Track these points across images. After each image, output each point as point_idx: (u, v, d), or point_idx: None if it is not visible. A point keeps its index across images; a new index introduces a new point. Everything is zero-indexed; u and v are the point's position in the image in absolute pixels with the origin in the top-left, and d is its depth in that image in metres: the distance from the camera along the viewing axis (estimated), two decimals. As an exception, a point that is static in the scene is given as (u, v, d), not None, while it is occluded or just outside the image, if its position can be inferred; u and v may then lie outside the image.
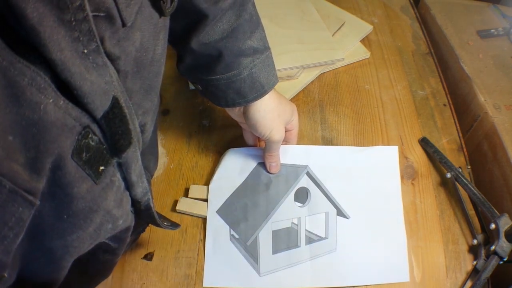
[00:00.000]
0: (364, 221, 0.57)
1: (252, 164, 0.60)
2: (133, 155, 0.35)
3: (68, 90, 0.26)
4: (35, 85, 0.23)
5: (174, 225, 0.51)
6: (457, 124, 0.70)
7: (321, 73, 0.74)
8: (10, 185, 0.23)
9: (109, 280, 0.53)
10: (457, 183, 0.59)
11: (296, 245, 0.56)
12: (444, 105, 0.72)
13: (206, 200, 0.58)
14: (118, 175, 0.35)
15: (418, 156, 0.65)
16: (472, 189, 0.58)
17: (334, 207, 0.57)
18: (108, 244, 0.41)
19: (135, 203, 0.40)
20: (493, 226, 0.53)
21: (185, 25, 0.49)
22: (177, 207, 0.58)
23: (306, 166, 0.58)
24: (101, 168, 0.31)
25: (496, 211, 0.54)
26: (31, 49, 0.23)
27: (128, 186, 0.37)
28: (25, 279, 0.33)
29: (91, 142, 0.29)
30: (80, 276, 0.42)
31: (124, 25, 0.30)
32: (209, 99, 0.56)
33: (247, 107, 0.53)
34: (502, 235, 0.52)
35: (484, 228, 0.57)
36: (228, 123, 0.66)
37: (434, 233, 0.58)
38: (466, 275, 0.55)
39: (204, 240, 0.56)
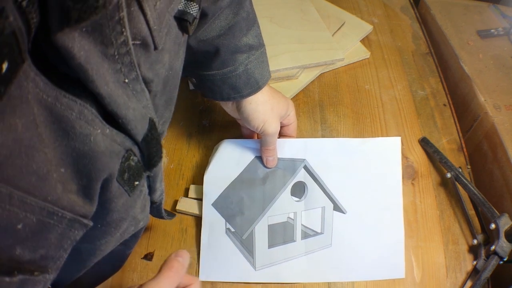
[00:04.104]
0: (361, 216, 0.57)
1: (248, 157, 0.59)
2: (160, 165, 0.36)
3: (110, 117, 0.26)
4: (84, 118, 0.24)
5: (170, 215, 0.52)
6: (457, 124, 0.70)
7: (321, 73, 0.74)
8: (70, 215, 0.24)
9: (109, 280, 0.53)
10: (457, 183, 0.59)
11: (292, 240, 0.56)
12: (444, 105, 0.72)
13: (206, 200, 0.58)
14: (145, 184, 0.36)
15: (418, 156, 0.65)
16: (472, 189, 0.58)
17: (331, 201, 0.57)
18: None
19: (151, 203, 0.42)
20: (493, 226, 0.53)
21: None
22: (177, 207, 0.58)
23: (303, 160, 0.57)
24: (136, 183, 0.33)
25: (496, 211, 0.54)
26: (74, 83, 0.23)
27: (151, 192, 0.39)
28: None
29: (132, 163, 0.30)
30: (92, 267, 0.42)
31: (155, 48, 0.31)
32: (203, 93, 0.57)
33: (240, 101, 0.54)
34: (502, 235, 0.52)
35: (484, 228, 0.57)
36: (228, 123, 0.66)
37: (434, 233, 0.58)
38: (466, 275, 0.55)
39: (200, 233, 0.56)
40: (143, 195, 0.36)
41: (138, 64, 0.29)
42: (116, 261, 0.48)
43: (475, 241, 0.56)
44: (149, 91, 0.31)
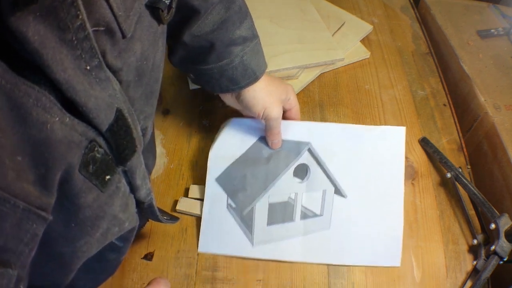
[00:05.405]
0: (361, 202, 0.57)
1: (254, 136, 0.60)
2: (137, 161, 0.35)
3: (73, 106, 0.26)
4: (41, 105, 0.23)
5: (174, 219, 0.52)
6: (457, 124, 0.70)
7: (321, 73, 0.74)
8: (23, 205, 0.24)
9: (109, 280, 0.53)
10: (457, 183, 0.59)
11: (291, 219, 0.57)
12: (444, 105, 0.72)
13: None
14: (123, 181, 0.35)
15: (418, 156, 0.65)
16: (472, 189, 0.58)
17: (333, 185, 0.58)
18: (114, 243, 0.42)
19: (139, 203, 0.41)
20: (493, 226, 0.53)
21: (177, 21, 0.50)
22: (177, 207, 0.58)
23: (308, 143, 0.58)
24: (107, 177, 0.32)
25: (496, 211, 0.54)
26: (35, 69, 0.23)
27: (133, 189, 0.38)
28: (35, 282, 0.34)
29: (97, 155, 0.29)
30: (86, 274, 0.42)
31: (124, 36, 0.30)
32: (202, 86, 0.57)
33: (239, 91, 0.55)
34: (502, 235, 0.52)
35: (484, 228, 0.57)
36: (228, 123, 0.66)
37: (434, 233, 0.58)
38: (466, 275, 0.55)
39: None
40: (122, 193, 0.35)
41: (104, 52, 0.28)
42: (110, 267, 0.48)
43: (475, 241, 0.56)
44: (120, 81, 0.31)
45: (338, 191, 0.58)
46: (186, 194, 0.60)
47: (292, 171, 0.57)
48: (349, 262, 0.55)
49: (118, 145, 0.32)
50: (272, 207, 0.57)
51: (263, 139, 0.59)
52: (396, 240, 0.56)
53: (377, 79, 0.75)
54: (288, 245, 0.56)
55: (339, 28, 0.79)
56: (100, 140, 0.29)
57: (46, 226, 0.26)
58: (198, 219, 0.58)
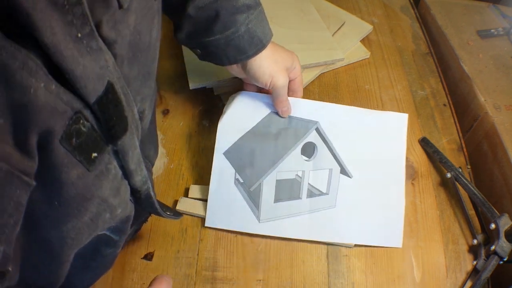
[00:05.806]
0: (365, 182, 0.58)
1: (264, 111, 0.60)
2: (130, 142, 0.34)
3: (61, 74, 0.25)
4: (26, 69, 0.23)
5: (177, 214, 0.51)
6: (457, 124, 0.70)
7: (321, 73, 0.74)
8: (5, 167, 0.23)
9: (109, 280, 0.53)
10: (457, 183, 0.59)
11: (298, 197, 0.57)
12: (444, 105, 0.72)
13: (206, 200, 0.58)
14: (115, 163, 0.34)
15: (418, 156, 0.65)
16: (472, 189, 0.58)
17: (339, 165, 0.58)
18: (109, 237, 0.41)
19: (134, 192, 0.40)
20: (493, 226, 0.53)
21: None
22: (177, 207, 0.58)
23: (316, 122, 0.58)
24: (94, 155, 0.31)
25: (496, 211, 0.54)
26: (24, 32, 0.23)
27: (126, 174, 0.37)
28: (29, 281, 0.33)
29: (82, 128, 0.29)
30: (82, 270, 0.42)
31: (120, 7, 0.30)
32: (210, 61, 0.58)
33: (245, 61, 0.55)
34: (502, 235, 0.52)
35: (484, 228, 0.57)
36: (228, 123, 0.66)
37: (434, 233, 0.58)
38: (466, 275, 0.55)
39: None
40: (113, 176, 0.34)
41: (100, 21, 0.28)
42: (106, 263, 0.47)
43: (475, 241, 0.56)
44: (114, 55, 0.30)
45: (344, 171, 0.59)
46: (186, 194, 0.60)
47: (300, 148, 0.58)
48: (352, 240, 0.56)
49: (107, 120, 0.31)
50: (279, 184, 0.57)
51: (273, 114, 0.59)
52: (398, 222, 0.57)
53: (377, 79, 0.75)
54: (294, 222, 0.56)
55: (339, 28, 0.79)
56: (87, 113, 0.29)
57: (30, 204, 0.26)
58: (198, 219, 0.58)
